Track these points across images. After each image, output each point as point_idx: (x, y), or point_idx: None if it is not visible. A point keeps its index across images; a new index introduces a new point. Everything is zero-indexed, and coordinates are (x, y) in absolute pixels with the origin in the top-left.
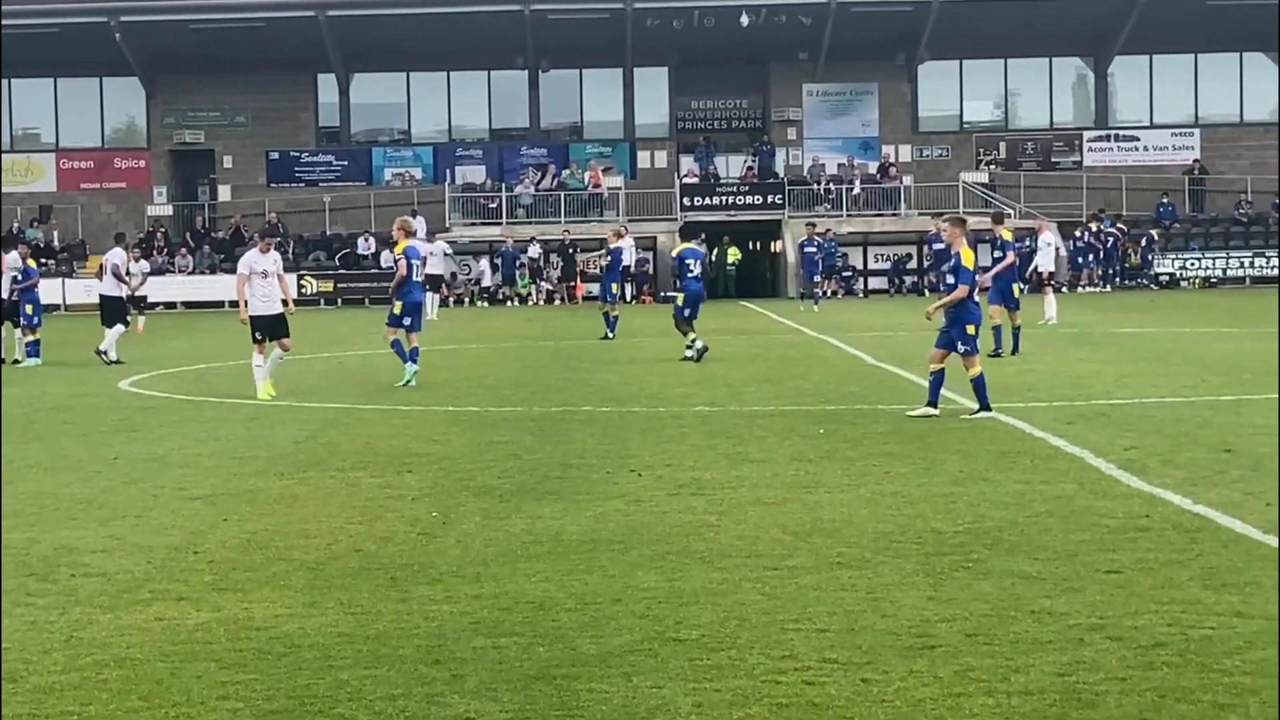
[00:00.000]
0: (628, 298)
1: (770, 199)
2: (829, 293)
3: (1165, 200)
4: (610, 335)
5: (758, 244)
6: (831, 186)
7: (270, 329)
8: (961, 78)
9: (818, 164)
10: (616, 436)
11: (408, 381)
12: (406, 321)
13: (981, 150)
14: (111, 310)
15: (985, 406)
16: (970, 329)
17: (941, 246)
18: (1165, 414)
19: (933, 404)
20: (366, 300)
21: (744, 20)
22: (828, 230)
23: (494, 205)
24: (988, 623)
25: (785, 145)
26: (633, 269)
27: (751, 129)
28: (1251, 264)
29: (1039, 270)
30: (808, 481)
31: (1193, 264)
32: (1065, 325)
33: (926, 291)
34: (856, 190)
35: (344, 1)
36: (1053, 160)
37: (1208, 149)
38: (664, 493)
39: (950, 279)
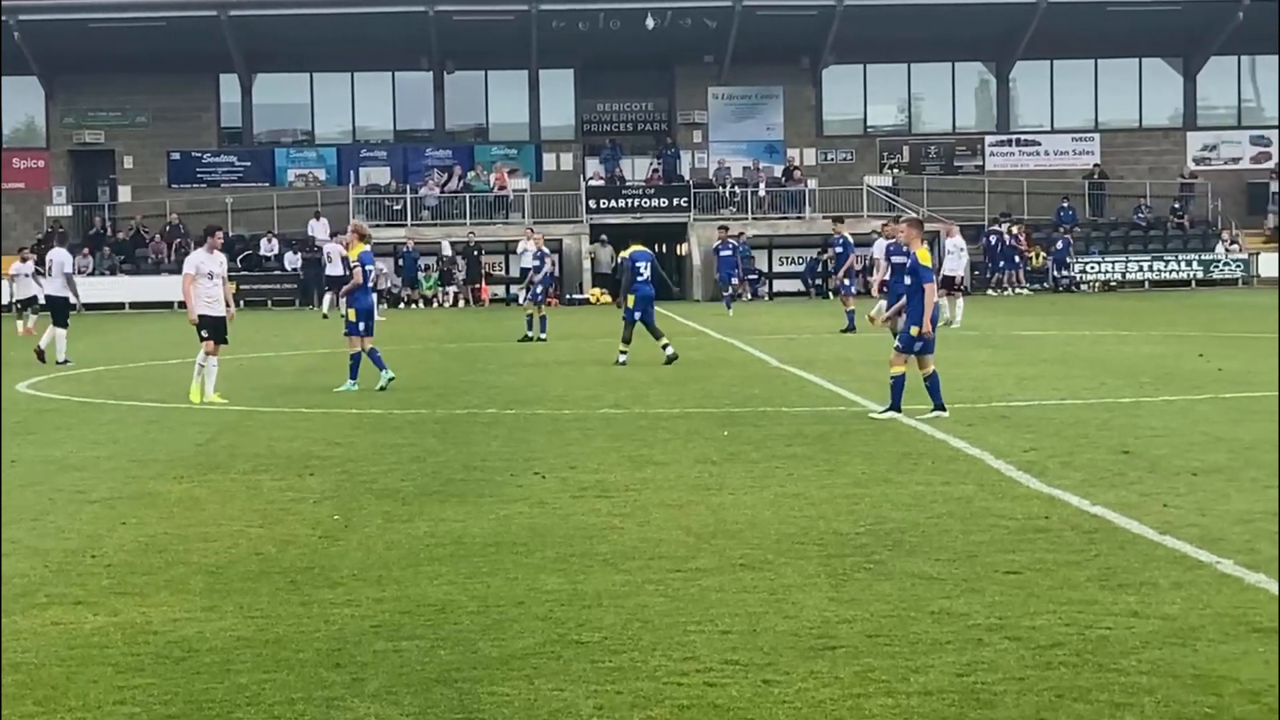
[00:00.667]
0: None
1: (676, 202)
2: (741, 295)
3: (1066, 204)
4: (535, 337)
5: (663, 246)
6: (736, 190)
7: (214, 330)
8: (866, 82)
9: (723, 167)
10: (521, 439)
11: (383, 387)
12: (361, 327)
13: (885, 154)
14: (60, 310)
15: (940, 406)
16: (915, 330)
17: (841, 250)
18: (1064, 416)
19: (895, 407)
20: (269, 302)
21: (649, 23)
22: (740, 233)
23: (398, 207)
24: (888, 623)
25: (691, 148)
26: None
27: (657, 132)
28: (1150, 267)
29: (947, 274)
30: (711, 483)
31: (1093, 267)
32: (967, 328)
33: (831, 295)
34: (761, 193)
35: (246, 1)
36: (955, 164)
37: (1107, 153)
38: (568, 495)
39: (908, 280)
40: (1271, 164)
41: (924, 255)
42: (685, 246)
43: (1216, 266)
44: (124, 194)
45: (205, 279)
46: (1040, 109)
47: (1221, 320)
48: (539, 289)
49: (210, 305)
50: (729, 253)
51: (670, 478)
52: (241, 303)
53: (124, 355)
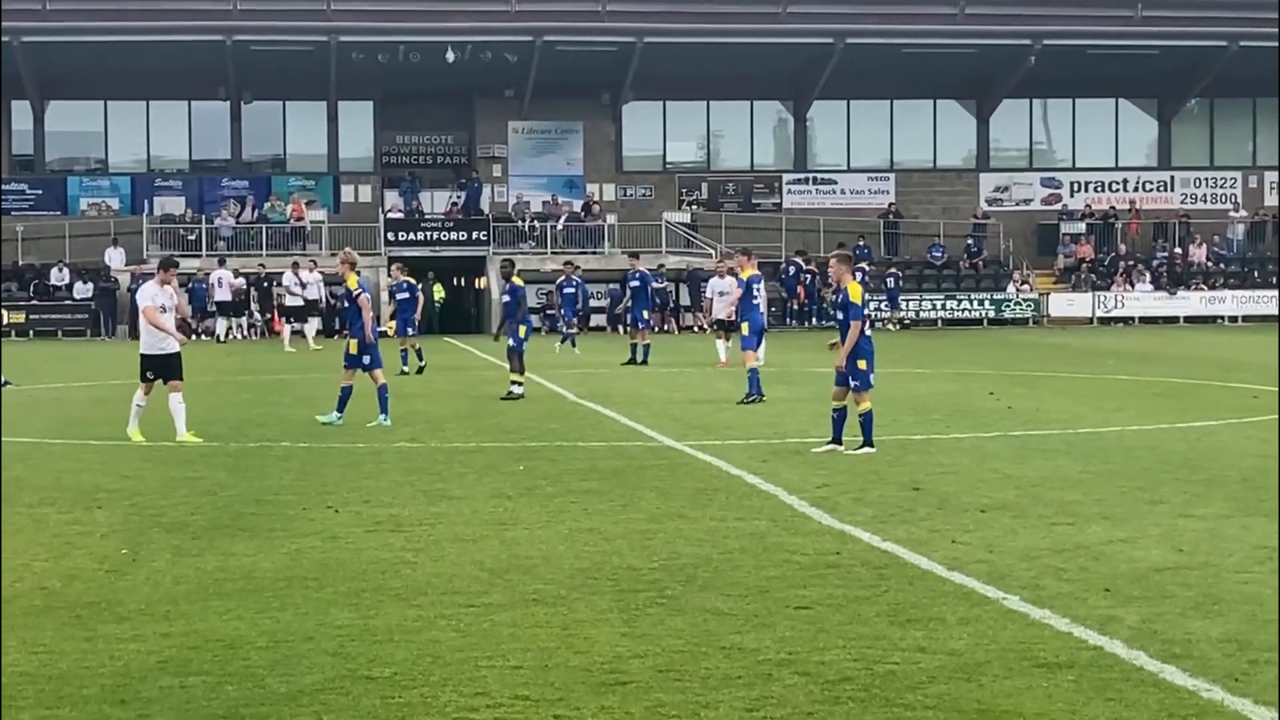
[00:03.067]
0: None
1: (475, 235)
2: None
3: (861, 242)
4: (412, 370)
5: (462, 280)
6: (536, 224)
7: (161, 369)
8: (665, 118)
9: (522, 201)
10: (314, 472)
11: (330, 422)
12: (365, 360)
13: (684, 190)
14: None
15: (869, 442)
16: (861, 364)
17: (637, 283)
18: (857, 453)
19: (837, 440)
20: (59, 332)
21: (450, 56)
22: (578, 268)
23: (193, 237)
24: (679, 659)
25: (491, 182)
26: (321, 303)
27: (457, 165)
28: (944, 306)
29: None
30: (506, 518)
31: (887, 306)
32: (766, 364)
33: (622, 329)
34: (560, 228)
35: (39, 28)
36: (753, 201)
37: (902, 193)
38: (361, 529)
39: (840, 315)
40: (1060, 206)
41: (855, 290)
42: (484, 280)
43: (1008, 306)
44: None
45: (157, 312)
46: (837, 148)
47: (1012, 359)
48: (413, 319)
49: (161, 340)
50: (572, 290)
51: (465, 512)
52: (31, 332)
53: None
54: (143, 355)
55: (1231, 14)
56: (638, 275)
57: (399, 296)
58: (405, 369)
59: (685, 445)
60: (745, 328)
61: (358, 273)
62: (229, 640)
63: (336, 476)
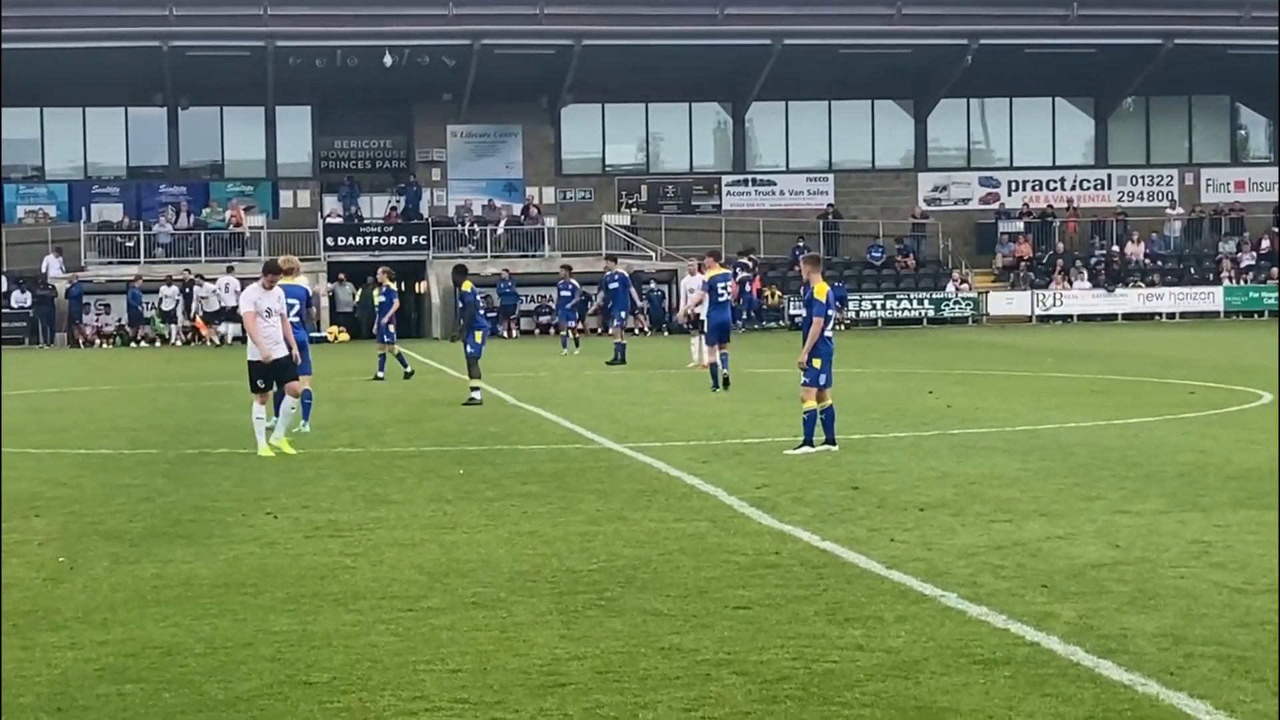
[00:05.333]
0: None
1: (415, 239)
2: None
3: (801, 243)
4: (382, 377)
5: (402, 284)
6: (476, 228)
7: (273, 374)
8: (604, 121)
9: (464, 205)
10: (253, 479)
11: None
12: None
13: (624, 193)
14: None
15: (808, 441)
16: (816, 362)
17: (616, 286)
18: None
19: (808, 441)
20: None
21: (387, 60)
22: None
23: (131, 244)
24: (618, 660)
25: (430, 186)
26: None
27: (396, 169)
28: (883, 306)
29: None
30: (445, 522)
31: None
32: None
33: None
34: (500, 231)
35: None
36: (693, 203)
37: (841, 193)
38: (300, 535)
39: (804, 313)
40: (998, 205)
41: (820, 290)
42: (424, 284)
43: (947, 305)
44: None
45: (263, 317)
46: (776, 149)
47: (951, 358)
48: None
49: (273, 345)
50: (568, 292)
51: (404, 516)
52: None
53: None
54: (250, 363)
55: (1166, 11)
56: (616, 277)
57: (378, 300)
58: (380, 375)
59: (625, 447)
60: (705, 324)
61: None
62: (167, 647)
63: (275, 482)
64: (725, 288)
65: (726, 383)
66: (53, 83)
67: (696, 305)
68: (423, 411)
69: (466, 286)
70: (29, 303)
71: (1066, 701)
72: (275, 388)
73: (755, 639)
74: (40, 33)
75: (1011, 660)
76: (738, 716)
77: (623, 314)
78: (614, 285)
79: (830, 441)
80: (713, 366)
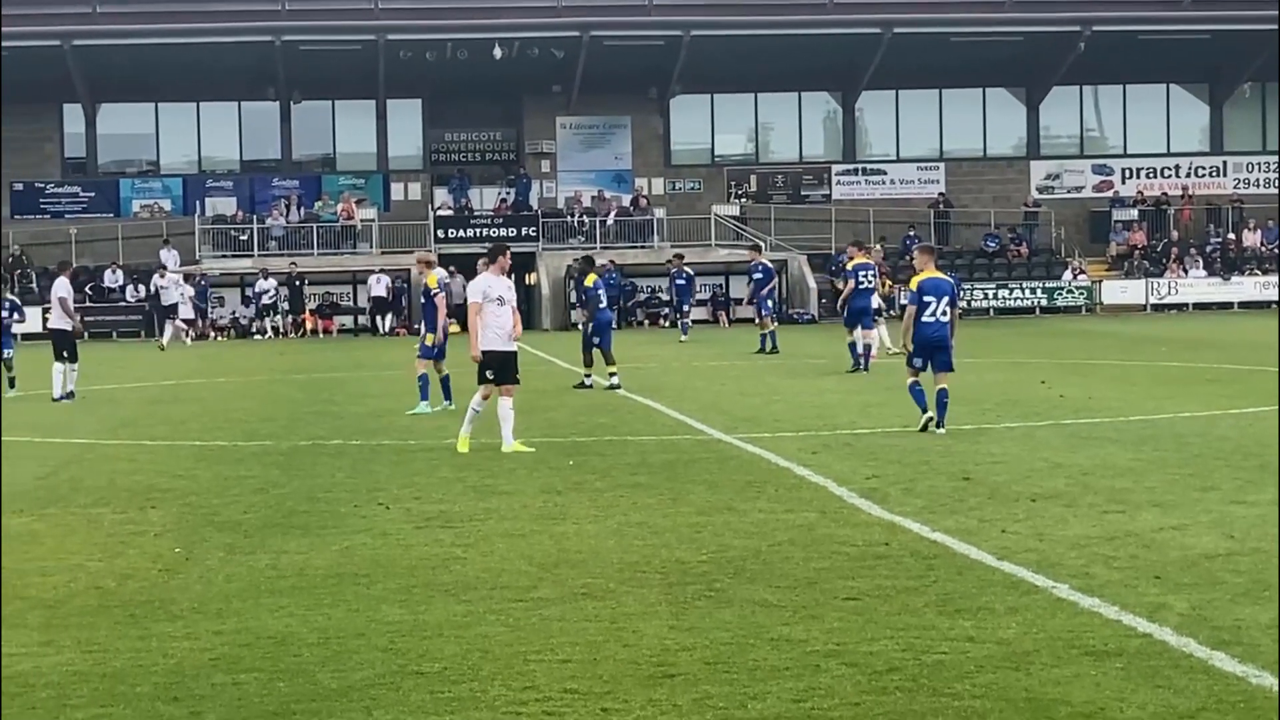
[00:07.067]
0: (386, 329)
1: (524, 231)
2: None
3: (912, 232)
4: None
5: (512, 276)
6: (585, 219)
7: (502, 369)
8: (713, 111)
9: (574, 197)
10: (365, 469)
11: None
12: (437, 351)
13: (733, 183)
14: (64, 344)
15: (938, 423)
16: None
17: (760, 275)
18: (908, 443)
19: (922, 409)
20: (114, 334)
21: (497, 53)
22: (682, 256)
23: (245, 237)
24: (727, 651)
25: (540, 178)
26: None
27: (506, 161)
28: (995, 295)
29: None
30: (555, 513)
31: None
32: (813, 356)
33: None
34: (610, 223)
35: (90, 31)
36: (803, 193)
37: (952, 182)
38: (411, 526)
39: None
40: (1112, 192)
41: (913, 281)
42: (533, 276)
43: (1060, 294)
44: None
45: (494, 305)
46: (886, 138)
47: (1064, 347)
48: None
49: (501, 337)
50: (683, 281)
51: (514, 507)
52: (86, 334)
53: None
54: (484, 352)
55: None
56: (760, 267)
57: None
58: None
59: (734, 438)
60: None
61: (436, 271)
62: (281, 637)
63: (387, 473)
64: (869, 276)
65: (864, 364)
66: (168, 78)
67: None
68: (532, 403)
69: (589, 281)
70: (144, 296)
71: (1179, 693)
72: (494, 381)
73: (865, 630)
74: (154, 28)
75: (1123, 652)
76: (847, 707)
77: (769, 303)
78: (758, 275)
79: (938, 424)
80: (851, 345)
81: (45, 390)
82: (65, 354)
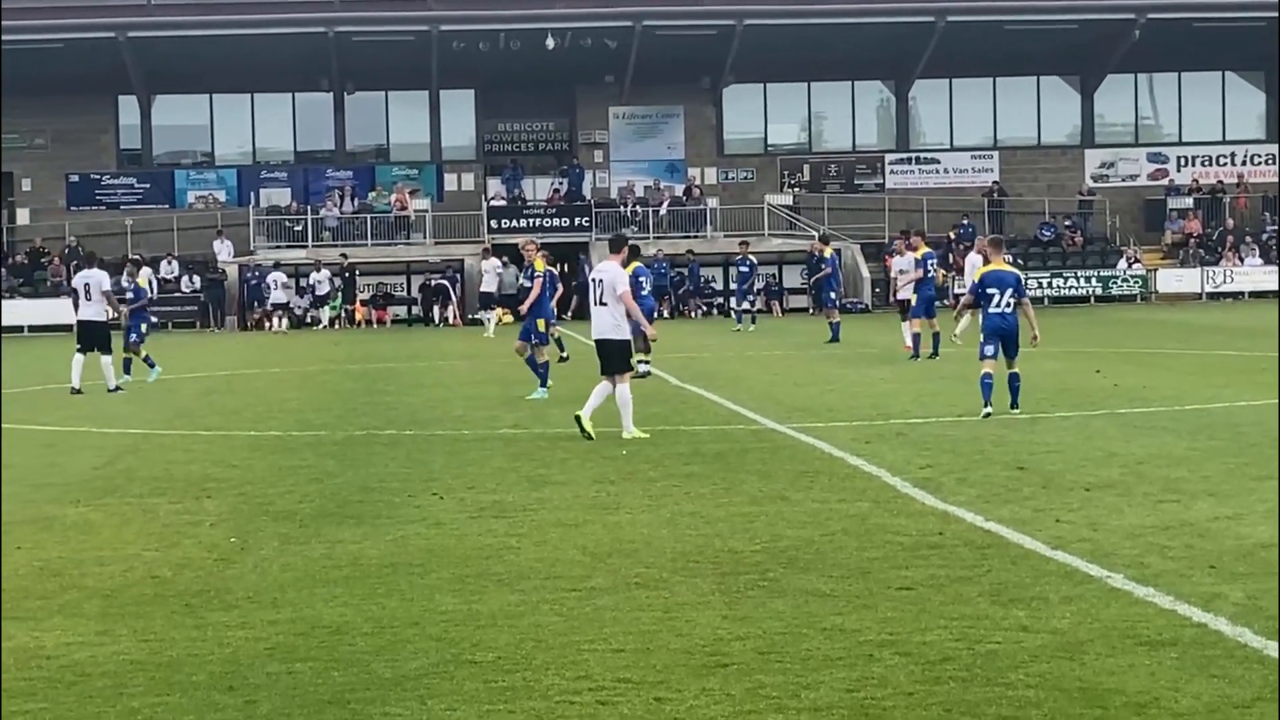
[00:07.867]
0: (450, 319)
1: (578, 221)
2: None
3: (966, 221)
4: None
5: (565, 265)
6: (638, 209)
7: (610, 357)
8: (766, 101)
9: (627, 187)
10: (419, 460)
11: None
12: (534, 339)
13: (786, 173)
14: (102, 336)
15: (1013, 404)
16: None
17: (829, 267)
18: (961, 433)
19: (987, 403)
20: (169, 324)
21: (549, 43)
22: (747, 244)
23: (299, 228)
24: (780, 640)
25: (592, 167)
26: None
27: (559, 151)
28: (1050, 284)
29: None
30: (608, 503)
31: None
32: (867, 346)
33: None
34: (663, 212)
35: (144, 23)
36: (856, 182)
37: (1006, 171)
38: (465, 515)
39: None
40: (1167, 181)
41: (978, 272)
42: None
43: (1116, 283)
44: (22, 216)
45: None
46: (940, 127)
47: (1119, 336)
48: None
49: (615, 327)
50: (746, 269)
51: (567, 497)
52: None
53: (21, 378)
54: (596, 341)
55: None
56: (829, 259)
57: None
58: (564, 355)
59: (788, 428)
60: (914, 299)
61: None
62: (335, 626)
63: (441, 463)
64: (934, 265)
65: (932, 351)
66: (222, 70)
67: (908, 283)
68: (586, 391)
69: (629, 268)
70: (199, 286)
71: (1234, 683)
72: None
73: (918, 620)
74: (208, 20)
75: (1178, 641)
76: (900, 697)
77: (833, 295)
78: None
79: (1013, 405)
80: (915, 337)
81: (87, 384)
82: (97, 347)
